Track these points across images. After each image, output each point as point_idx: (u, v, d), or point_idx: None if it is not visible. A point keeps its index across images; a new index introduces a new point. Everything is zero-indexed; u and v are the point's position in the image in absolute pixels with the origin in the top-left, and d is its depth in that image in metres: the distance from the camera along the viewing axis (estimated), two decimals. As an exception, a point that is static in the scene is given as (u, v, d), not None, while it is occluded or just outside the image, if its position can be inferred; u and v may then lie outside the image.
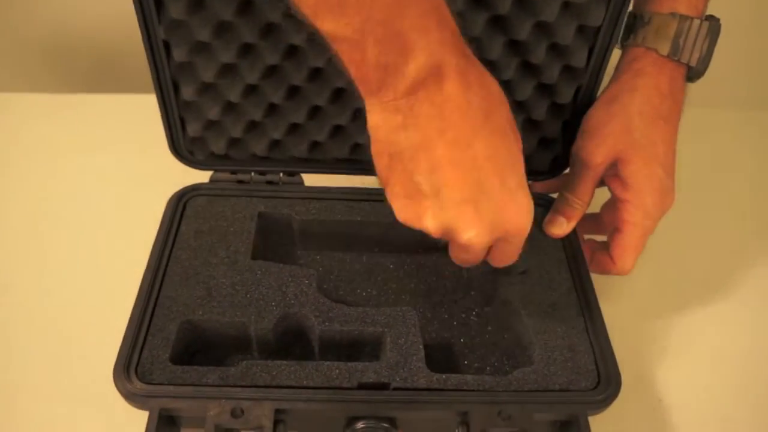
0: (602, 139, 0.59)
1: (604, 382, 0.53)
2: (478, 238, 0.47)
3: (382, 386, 0.52)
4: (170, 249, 0.60)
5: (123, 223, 0.74)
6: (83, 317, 0.65)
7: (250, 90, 0.60)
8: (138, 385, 0.51)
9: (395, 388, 0.52)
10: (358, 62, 0.43)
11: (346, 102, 0.61)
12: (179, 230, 0.62)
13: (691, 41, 0.58)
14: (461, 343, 0.60)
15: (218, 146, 0.64)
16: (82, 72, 1.04)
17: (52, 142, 0.85)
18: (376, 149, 0.48)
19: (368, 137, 0.61)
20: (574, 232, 0.64)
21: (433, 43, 0.42)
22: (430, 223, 0.47)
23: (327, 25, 0.42)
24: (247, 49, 0.58)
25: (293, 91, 0.60)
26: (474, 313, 0.62)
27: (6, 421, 0.57)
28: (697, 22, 0.58)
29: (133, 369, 0.52)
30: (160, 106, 0.61)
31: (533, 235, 0.63)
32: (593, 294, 0.59)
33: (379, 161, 0.48)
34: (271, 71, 0.59)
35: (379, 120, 0.45)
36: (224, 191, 0.65)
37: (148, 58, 0.58)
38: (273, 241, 0.65)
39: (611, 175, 0.61)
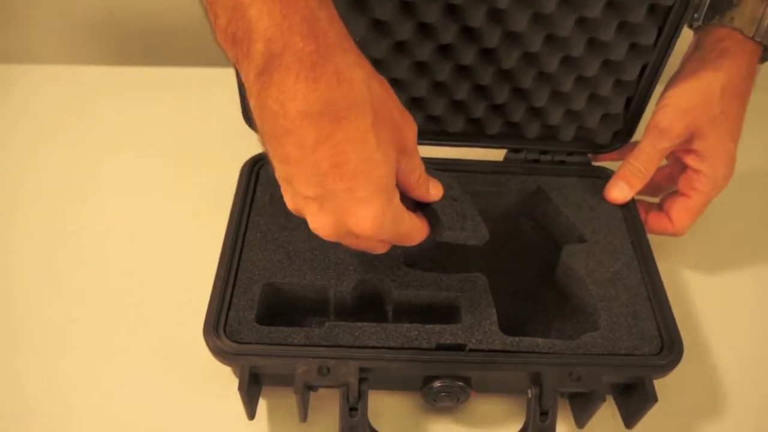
0: (684, 113, 0.62)
1: (668, 348, 0.56)
2: (321, 231, 0.48)
3: (459, 347, 0.55)
4: (248, 215, 0.63)
5: (198, 190, 0.77)
6: (167, 281, 0.68)
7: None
8: (228, 344, 0.54)
9: (471, 350, 0.55)
10: (213, 24, 0.41)
11: (425, 73, 0.63)
12: (255, 196, 0.64)
13: None
14: (526, 308, 0.63)
15: (291, 115, 0.66)
16: (135, 46, 1.06)
17: (125, 114, 0.87)
18: None
19: (444, 108, 0.62)
20: (633, 203, 0.66)
21: (273, 28, 0.39)
22: (288, 202, 0.48)
23: None
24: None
25: (371, 61, 0.62)
26: (537, 280, 0.65)
27: (99, 375, 0.61)
28: None
29: (222, 328, 0.55)
30: (236, 75, 0.63)
31: (595, 205, 0.66)
32: (654, 263, 0.62)
33: None
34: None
35: (246, 93, 0.43)
36: None
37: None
38: None
39: (685, 149, 0.64)
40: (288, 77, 0.39)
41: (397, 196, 0.48)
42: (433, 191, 0.54)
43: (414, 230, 0.51)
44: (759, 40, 0.61)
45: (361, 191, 0.44)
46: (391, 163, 0.45)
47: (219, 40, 0.42)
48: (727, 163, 0.63)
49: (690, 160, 0.64)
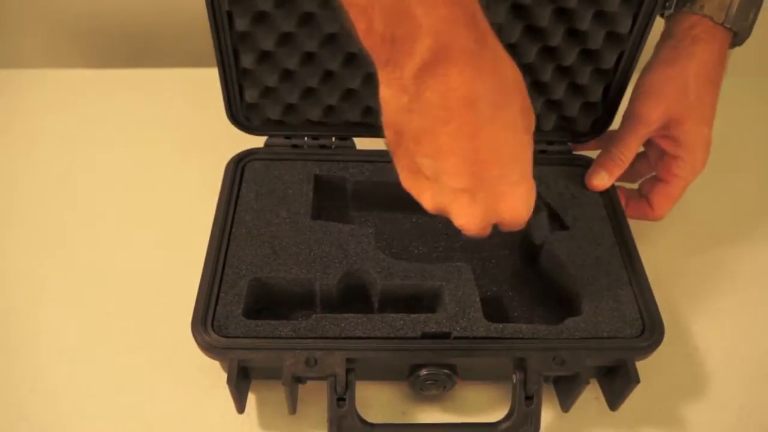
0: (660, 100, 0.63)
1: (649, 330, 0.57)
2: (471, 225, 0.49)
3: (444, 335, 0.56)
4: (233, 211, 0.63)
5: (182, 188, 0.78)
6: (154, 278, 0.69)
7: (308, 58, 0.63)
8: (215, 338, 0.54)
9: (456, 337, 0.56)
10: (365, 31, 0.42)
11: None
12: (240, 193, 0.65)
13: (740, 10, 0.62)
14: (509, 296, 0.64)
15: (274, 112, 0.67)
16: (120, 49, 1.06)
17: (111, 116, 0.88)
18: (384, 120, 0.47)
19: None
20: (614, 189, 0.68)
21: (440, 22, 0.40)
22: (427, 202, 0.49)
23: None
24: (306, 18, 0.60)
25: (350, 58, 0.63)
26: (521, 268, 0.66)
27: (88, 372, 0.61)
28: None
29: (210, 323, 0.55)
30: (219, 74, 0.64)
31: (576, 193, 0.67)
32: (635, 249, 0.63)
33: (387, 133, 0.48)
34: (329, 39, 0.61)
35: (387, 95, 0.45)
36: (279, 155, 0.68)
37: (210, 28, 0.60)
38: (327, 203, 0.68)
39: (662, 135, 0.65)
40: (453, 68, 0.40)
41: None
42: None
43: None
44: (729, 26, 0.62)
45: (514, 176, 0.46)
46: (531, 146, 0.47)
47: (368, 43, 0.42)
48: (704, 148, 0.64)
49: (667, 146, 0.65)
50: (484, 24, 0.42)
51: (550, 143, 0.71)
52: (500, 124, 0.43)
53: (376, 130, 0.68)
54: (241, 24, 0.60)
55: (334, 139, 0.69)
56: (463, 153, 0.44)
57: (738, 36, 0.63)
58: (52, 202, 0.76)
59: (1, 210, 0.75)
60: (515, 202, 0.48)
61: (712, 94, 0.63)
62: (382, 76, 0.44)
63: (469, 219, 0.49)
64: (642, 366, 0.55)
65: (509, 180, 0.47)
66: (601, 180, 0.67)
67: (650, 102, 0.64)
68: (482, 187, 0.46)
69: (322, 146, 0.69)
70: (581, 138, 0.70)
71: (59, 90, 0.91)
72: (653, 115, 0.64)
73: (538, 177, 0.67)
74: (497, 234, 0.67)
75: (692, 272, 0.72)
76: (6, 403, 0.59)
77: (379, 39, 0.41)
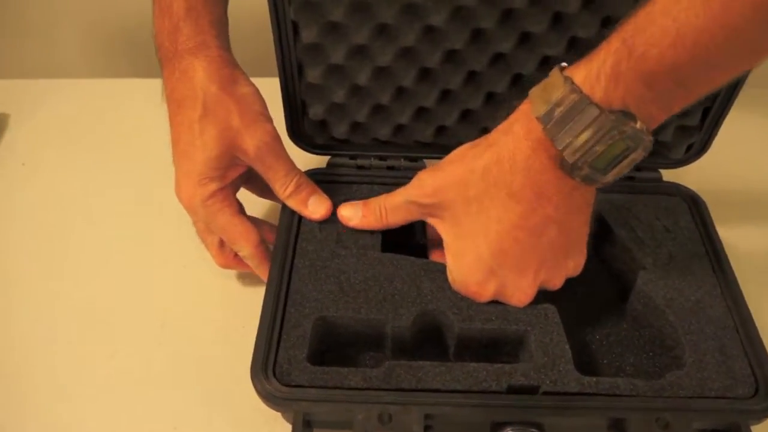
0: (436, 174, 0.54)
1: (764, 389, 0.51)
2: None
3: (532, 390, 0.50)
4: (294, 241, 0.58)
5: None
6: (211, 314, 0.63)
7: (380, 72, 0.57)
8: (277, 387, 0.49)
9: (545, 392, 0.50)
10: None
11: (480, 85, 0.58)
12: (301, 221, 0.59)
13: (570, 121, 0.43)
14: (596, 340, 0.58)
15: (339, 130, 0.61)
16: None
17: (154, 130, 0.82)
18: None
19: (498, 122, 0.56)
20: (711, 221, 0.61)
21: None
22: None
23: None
24: (381, 30, 0.54)
25: (425, 74, 0.57)
26: (608, 308, 0.60)
27: (143, 411, 0.57)
28: (577, 98, 0.42)
29: (271, 370, 0.50)
30: (282, 89, 0.59)
31: (670, 226, 0.60)
32: (739, 290, 0.56)
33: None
34: (404, 53, 0.56)
35: None
36: (344, 177, 0.63)
37: (274, 40, 0.55)
38: (396, 229, 0.62)
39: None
40: None
41: None
42: None
43: None
44: (545, 131, 0.45)
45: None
46: None
47: None
48: (469, 265, 0.53)
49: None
50: None
51: (639, 169, 0.64)
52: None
53: (447, 151, 0.63)
54: (308, 35, 0.54)
55: (402, 160, 0.64)
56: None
57: (568, 164, 0.45)
58: (104, 215, 0.72)
59: (62, 219, 0.71)
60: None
61: (501, 201, 0.51)
62: None
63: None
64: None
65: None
66: (352, 215, 0.59)
67: (431, 171, 0.55)
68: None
69: (390, 167, 0.63)
70: (677, 165, 0.64)
71: (100, 99, 0.87)
72: (426, 187, 0.55)
73: (625, 207, 0.62)
74: (582, 273, 0.61)
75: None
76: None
77: None
